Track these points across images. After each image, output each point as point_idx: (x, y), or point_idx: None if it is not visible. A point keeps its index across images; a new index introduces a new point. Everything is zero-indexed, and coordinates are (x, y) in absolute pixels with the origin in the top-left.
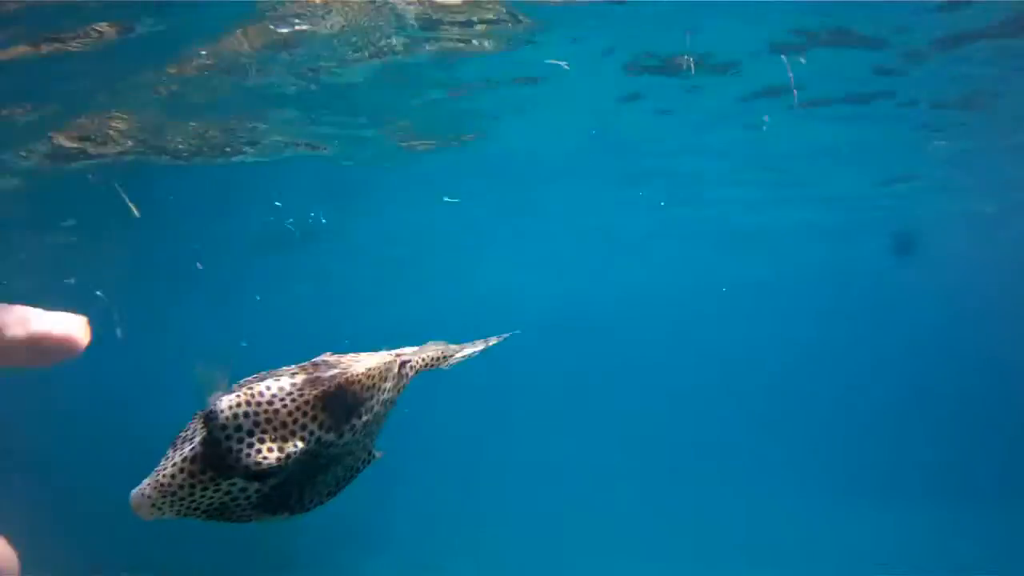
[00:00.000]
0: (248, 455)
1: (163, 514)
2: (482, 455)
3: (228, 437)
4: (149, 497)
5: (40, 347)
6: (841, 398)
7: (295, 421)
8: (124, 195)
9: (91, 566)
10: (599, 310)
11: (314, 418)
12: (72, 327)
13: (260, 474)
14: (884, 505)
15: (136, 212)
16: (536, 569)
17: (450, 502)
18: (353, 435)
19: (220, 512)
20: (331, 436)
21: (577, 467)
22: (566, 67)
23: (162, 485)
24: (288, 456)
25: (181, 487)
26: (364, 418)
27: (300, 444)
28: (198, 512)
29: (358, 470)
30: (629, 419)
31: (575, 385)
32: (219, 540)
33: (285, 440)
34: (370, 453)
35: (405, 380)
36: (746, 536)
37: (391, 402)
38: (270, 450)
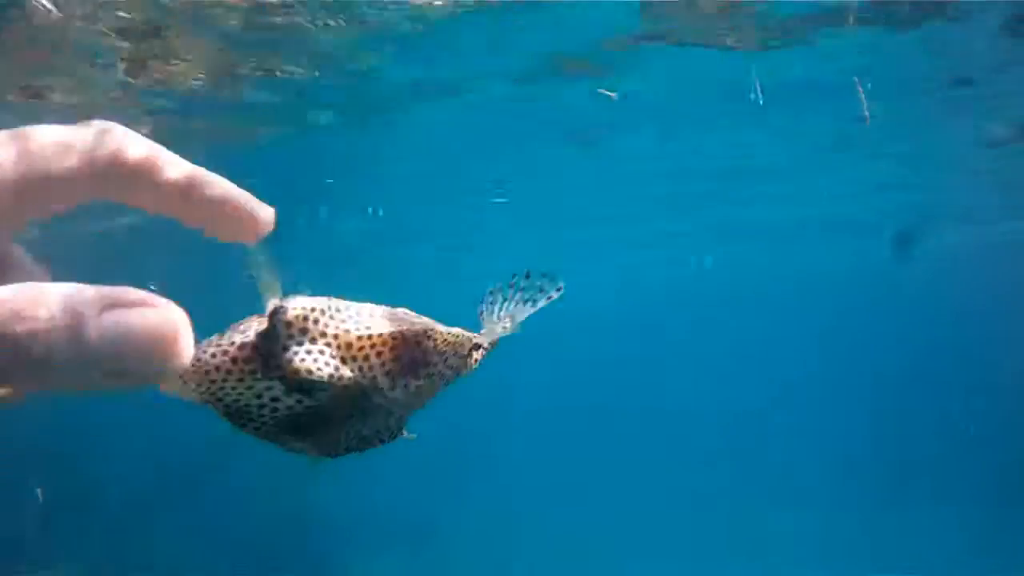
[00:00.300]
0: (303, 359)
1: (186, 390)
2: (485, 455)
3: (290, 336)
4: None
5: (222, 214)
6: (852, 398)
7: (361, 349)
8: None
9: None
10: (606, 307)
11: (379, 355)
12: (264, 210)
13: (304, 384)
14: (888, 505)
15: None
16: (543, 570)
17: (453, 501)
18: (404, 395)
19: (240, 414)
20: (386, 383)
21: (582, 467)
22: (614, 97)
23: (198, 360)
24: (340, 379)
25: (217, 368)
26: (420, 382)
27: (356, 374)
28: (220, 404)
29: (382, 440)
30: (632, 419)
31: (579, 384)
32: (219, 541)
33: (344, 363)
34: (400, 428)
35: (469, 367)
36: (750, 536)
37: (447, 381)
38: (327, 364)
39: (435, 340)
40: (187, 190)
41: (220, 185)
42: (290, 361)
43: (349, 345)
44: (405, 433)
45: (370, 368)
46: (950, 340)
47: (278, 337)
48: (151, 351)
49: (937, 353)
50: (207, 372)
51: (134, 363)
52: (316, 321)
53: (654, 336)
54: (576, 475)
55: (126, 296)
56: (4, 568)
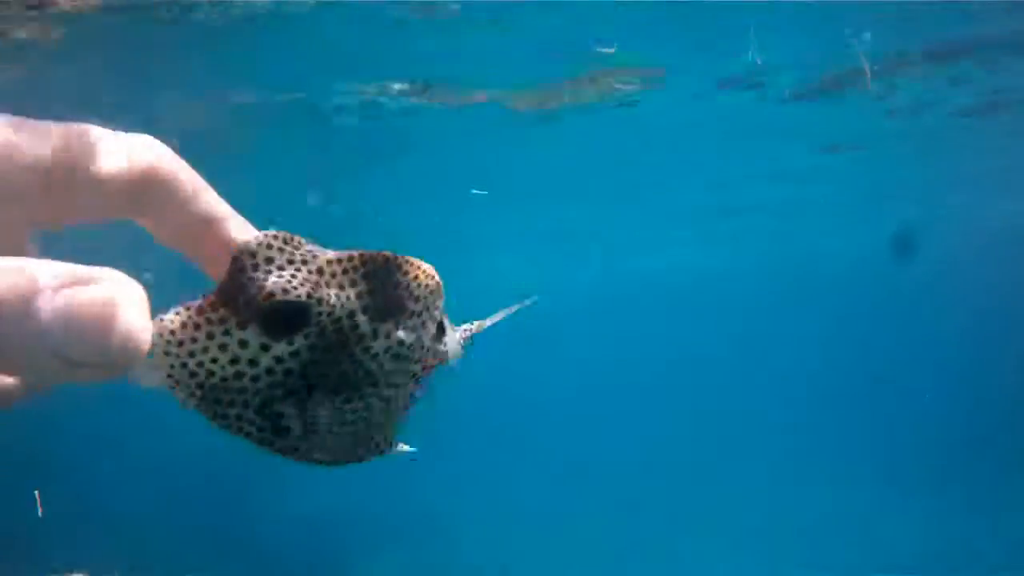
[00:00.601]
0: (275, 280)
1: (153, 367)
2: (486, 453)
3: (255, 266)
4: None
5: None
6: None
7: (334, 276)
8: None
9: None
10: (607, 300)
11: (353, 283)
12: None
13: (280, 315)
14: (887, 504)
15: None
16: (546, 569)
17: (453, 501)
18: (385, 349)
19: (217, 396)
20: (363, 321)
21: (583, 464)
22: (611, 52)
23: (160, 322)
24: (320, 300)
25: (184, 326)
26: (400, 335)
27: (333, 296)
28: (192, 382)
29: (378, 445)
30: (639, 414)
31: (582, 381)
32: (219, 541)
33: (318, 286)
34: (388, 437)
35: (446, 352)
36: (754, 533)
37: (430, 352)
38: (302, 284)
39: (407, 272)
40: (208, 226)
41: (241, 227)
42: (262, 287)
43: (320, 270)
44: (402, 446)
45: (347, 296)
46: (952, 333)
47: (244, 269)
48: (92, 331)
49: (940, 345)
50: (172, 332)
51: (78, 345)
52: (281, 250)
53: (653, 327)
54: (577, 473)
55: (88, 274)
56: (4, 568)
